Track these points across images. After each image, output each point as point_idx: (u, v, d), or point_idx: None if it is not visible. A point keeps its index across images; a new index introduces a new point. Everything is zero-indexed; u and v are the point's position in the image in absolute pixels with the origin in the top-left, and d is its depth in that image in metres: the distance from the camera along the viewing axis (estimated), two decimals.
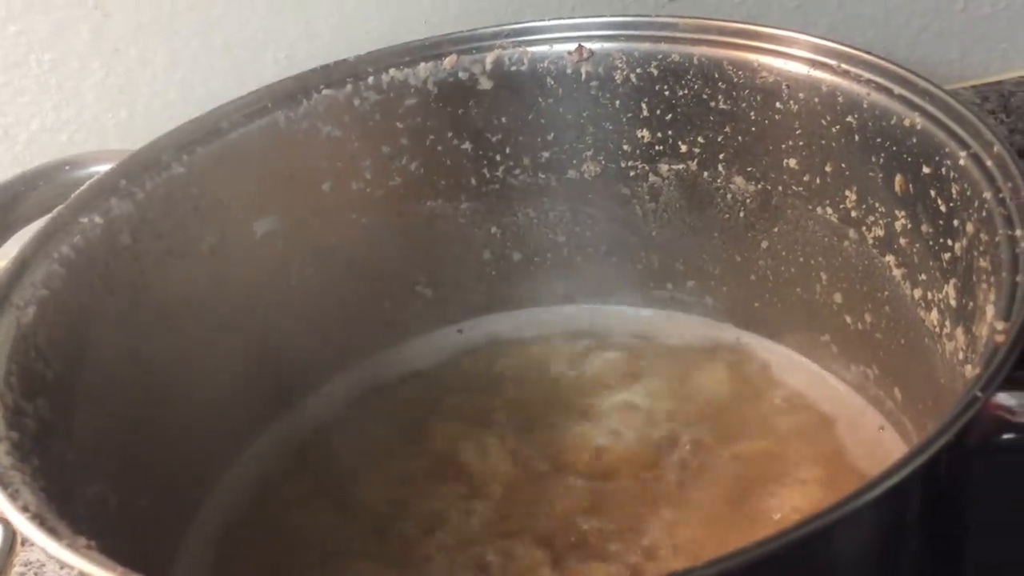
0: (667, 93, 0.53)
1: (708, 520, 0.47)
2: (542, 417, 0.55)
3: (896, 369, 0.50)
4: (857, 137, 0.47)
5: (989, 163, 0.40)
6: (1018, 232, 0.37)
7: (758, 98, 0.51)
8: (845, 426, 0.52)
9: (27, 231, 0.48)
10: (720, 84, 0.52)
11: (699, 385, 0.55)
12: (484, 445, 0.53)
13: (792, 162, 0.51)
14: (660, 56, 0.53)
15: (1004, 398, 0.33)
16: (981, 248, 0.39)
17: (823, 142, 0.49)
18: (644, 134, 0.55)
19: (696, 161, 0.54)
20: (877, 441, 0.51)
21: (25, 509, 0.34)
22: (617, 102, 0.54)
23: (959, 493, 0.36)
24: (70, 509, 0.37)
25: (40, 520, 0.34)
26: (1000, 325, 0.34)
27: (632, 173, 0.56)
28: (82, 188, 0.48)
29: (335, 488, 0.52)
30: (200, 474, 0.52)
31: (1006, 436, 0.34)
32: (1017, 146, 0.67)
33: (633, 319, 0.60)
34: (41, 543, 0.33)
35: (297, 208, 0.54)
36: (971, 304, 0.40)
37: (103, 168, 0.49)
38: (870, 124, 0.46)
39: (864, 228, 0.49)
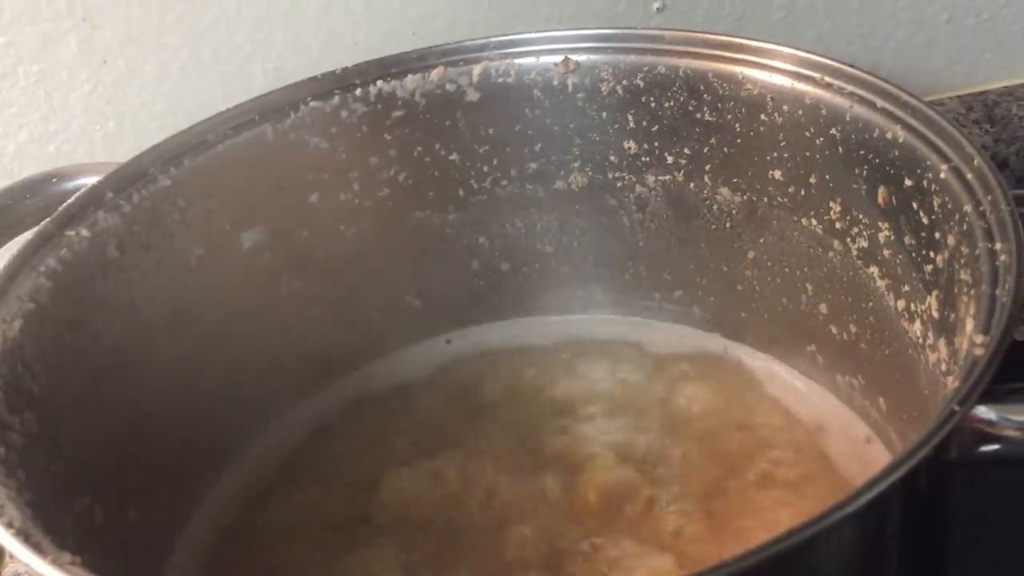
0: (653, 105, 0.53)
1: (691, 533, 0.47)
2: (530, 428, 0.55)
3: (881, 379, 0.50)
4: (840, 149, 0.48)
5: (970, 176, 0.40)
6: (998, 245, 0.37)
7: (743, 110, 0.51)
8: (831, 435, 0.52)
9: (14, 244, 0.48)
10: (705, 96, 0.52)
11: (686, 395, 0.55)
12: (472, 457, 0.53)
13: (777, 173, 0.51)
14: (646, 68, 0.53)
15: (983, 411, 0.33)
16: (962, 261, 0.40)
17: (807, 154, 0.49)
18: (630, 145, 0.55)
19: (682, 172, 0.55)
20: (864, 450, 0.51)
21: (10, 525, 0.34)
22: (604, 113, 0.55)
23: (940, 505, 0.36)
24: (56, 523, 0.38)
25: (25, 536, 0.34)
26: (979, 338, 0.34)
27: (619, 184, 0.56)
28: (69, 201, 0.48)
29: (323, 501, 0.52)
30: (188, 485, 0.52)
31: (986, 448, 0.34)
32: (1002, 155, 0.67)
33: (621, 329, 0.60)
34: (25, 559, 0.33)
35: (285, 219, 0.54)
36: (953, 316, 0.40)
37: (90, 180, 0.49)
38: (853, 137, 0.47)
39: (848, 239, 0.49)
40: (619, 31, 0.54)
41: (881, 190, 0.46)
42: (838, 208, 0.49)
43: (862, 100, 0.46)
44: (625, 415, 0.55)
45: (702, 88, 0.52)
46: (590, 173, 0.57)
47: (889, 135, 0.45)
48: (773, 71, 0.50)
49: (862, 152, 0.46)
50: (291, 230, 0.54)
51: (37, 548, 0.33)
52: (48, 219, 0.47)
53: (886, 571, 0.35)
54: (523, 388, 0.58)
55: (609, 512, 0.49)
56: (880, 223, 0.47)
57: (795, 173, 0.51)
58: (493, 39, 0.55)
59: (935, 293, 0.43)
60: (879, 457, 0.50)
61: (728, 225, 0.55)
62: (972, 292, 0.38)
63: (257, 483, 0.54)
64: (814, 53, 0.49)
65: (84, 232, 0.47)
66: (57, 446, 0.42)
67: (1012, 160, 0.69)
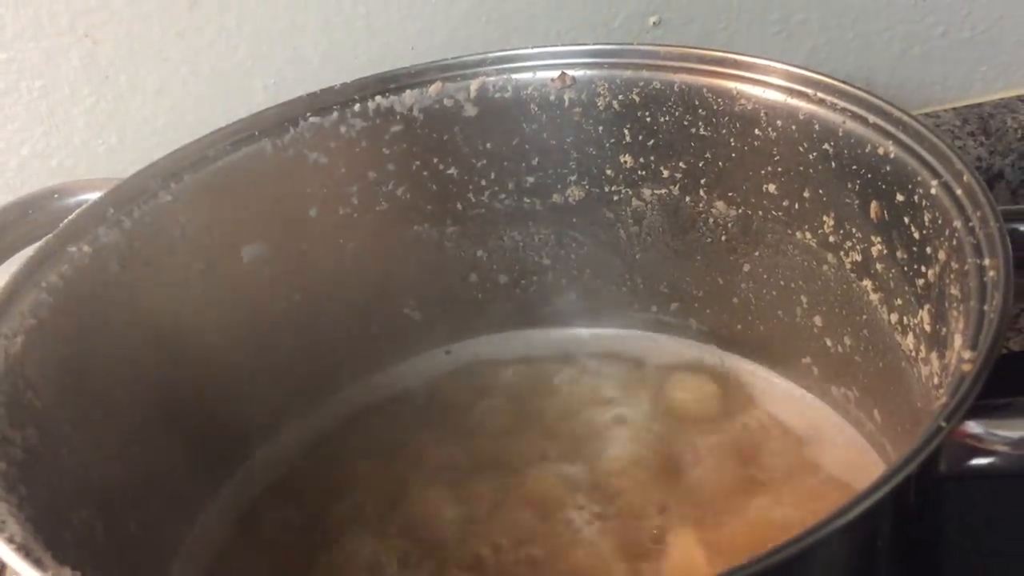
0: (649, 119, 0.54)
1: (686, 544, 0.48)
2: (528, 440, 0.55)
3: (875, 391, 0.50)
4: (834, 164, 0.48)
5: (959, 192, 0.41)
6: (986, 261, 0.38)
7: (737, 125, 0.51)
8: (826, 447, 0.52)
9: (16, 259, 0.49)
10: (700, 111, 0.52)
11: (683, 407, 0.56)
12: (470, 468, 0.54)
13: (771, 187, 0.52)
14: (642, 83, 0.53)
15: (972, 426, 0.34)
16: (952, 276, 0.40)
17: (801, 168, 0.50)
18: (627, 159, 0.55)
19: (678, 186, 0.55)
20: (858, 462, 0.51)
21: (11, 540, 0.35)
22: (600, 128, 0.55)
23: (931, 518, 0.36)
24: (57, 537, 0.38)
25: (25, 551, 0.34)
26: (967, 354, 0.35)
27: (616, 197, 0.57)
28: (70, 217, 0.48)
29: (323, 513, 0.53)
30: (188, 499, 0.52)
31: (975, 462, 0.34)
32: (997, 167, 0.68)
33: (618, 341, 0.61)
34: (26, 575, 0.33)
35: (284, 234, 0.54)
36: (944, 330, 0.41)
37: (91, 196, 0.50)
38: (846, 152, 0.47)
39: (842, 253, 0.50)
40: (615, 47, 0.54)
41: (873, 205, 0.46)
42: (831, 222, 0.50)
43: (854, 116, 0.47)
44: (622, 426, 0.55)
45: (697, 103, 0.52)
46: (587, 187, 0.57)
47: (881, 150, 0.45)
48: (767, 87, 0.50)
49: (855, 167, 0.47)
50: (291, 244, 0.55)
51: (38, 563, 0.34)
52: (50, 235, 0.47)
53: None
54: (522, 399, 0.58)
55: (600, 528, 0.50)
56: (873, 237, 0.47)
57: (789, 187, 0.51)
58: (490, 55, 0.55)
59: (927, 307, 0.43)
60: (874, 468, 0.50)
61: (724, 238, 0.55)
62: (961, 307, 0.38)
63: (256, 496, 0.54)
64: (807, 69, 0.49)
65: (86, 248, 0.47)
66: (58, 461, 0.43)
67: (1007, 172, 0.69)
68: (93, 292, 0.47)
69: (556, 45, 0.55)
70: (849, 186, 0.47)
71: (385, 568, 0.49)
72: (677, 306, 0.59)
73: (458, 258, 0.59)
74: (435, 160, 0.56)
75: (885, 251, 0.46)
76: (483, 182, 0.57)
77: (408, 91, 0.55)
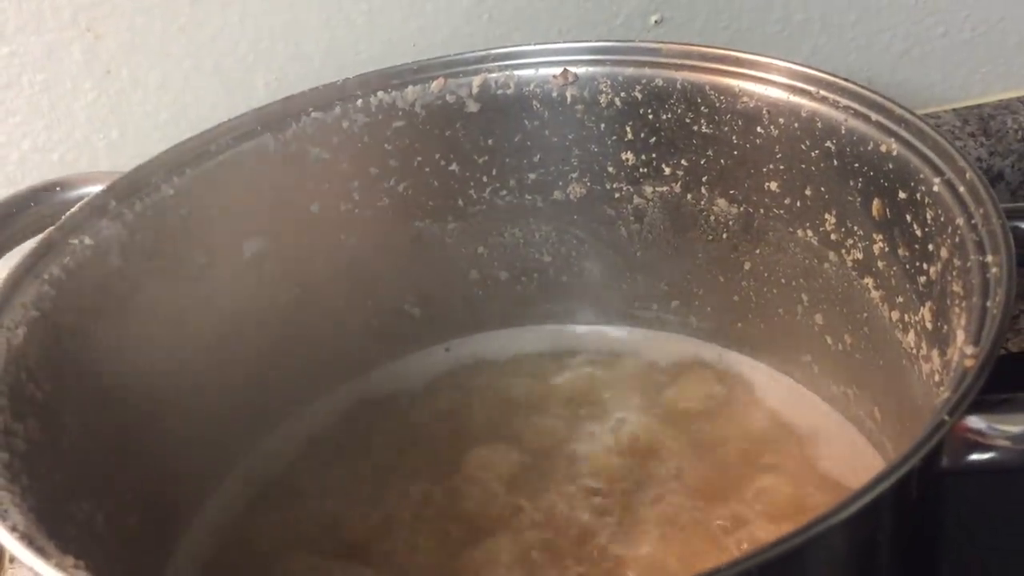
0: (651, 117, 0.54)
1: (685, 540, 0.48)
2: (527, 436, 0.55)
3: (875, 389, 0.50)
4: (835, 162, 0.48)
5: (962, 189, 0.41)
6: (989, 258, 0.38)
7: (740, 122, 0.51)
8: (826, 445, 0.52)
9: (18, 251, 0.49)
10: (703, 108, 0.52)
11: (683, 404, 0.56)
12: (470, 464, 0.54)
13: (773, 185, 0.52)
14: (644, 80, 0.53)
15: (974, 421, 0.34)
16: (954, 273, 0.40)
17: (803, 166, 0.50)
18: (628, 157, 0.56)
19: (680, 183, 0.55)
20: (859, 460, 0.51)
21: (14, 529, 0.35)
22: (602, 125, 0.55)
23: (932, 513, 0.36)
24: (59, 528, 0.38)
25: (28, 540, 0.34)
26: (970, 350, 0.35)
27: (617, 195, 0.57)
28: (73, 210, 0.48)
29: (323, 507, 0.53)
30: (188, 492, 0.52)
31: (976, 457, 0.34)
32: (997, 168, 0.68)
33: (619, 338, 0.61)
34: (29, 563, 0.33)
35: (286, 229, 0.54)
36: (946, 327, 0.41)
37: (94, 189, 0.50)
38: (848, 149, 0.47)
39: (843, 251, 0.50)
40: (617, 44, 0.54)
41: (875, 202, 0.46)
42: (833, 220, 0.50)
43: (857, 113, 0.47)
44: (622, 424, 0.55)
45: (699, 100, 0.52)
46: (588, 184, 0.57)
47: (883, 148, 0.45)
48: (769, 84, 0.50)
49: (856, 165, 0.47)
50: (292, 239, 0.55)
51: (41, 552, 0.34)
52: (52, 227, 0.47)
53: None
54: (521, 396, 0.58)
55: (601, 521, 0.50)
56: (874, 235, 0.47)
57: (791, 185, 0.51)
58: (493, 51, 0.55)
59: (928, 304, 0.43)
60: (874, 466, 0.50)
61: (725, 236, 0.55)
62: (964, 304, 0.38)
63: (256, 490, 0.54)
64: (809, 67, 0.49)
65: (87, 240, 0.47)
66: (59, 452, 0.43)
67: (1007, 172, 0.69)
68: (95, 284, 0.47)
69: (558, 42, 0.55)
70: (851, 184, 0.48)
71: (381, 559, 0.49)
72: (678, 304, 0.59)
73: (459, 254, 0.59)
74: (437, 156, 0.56)
75: (887, 249, 0.46)
76: (484, 178, 0.57)
77: (410, 87, 0.55)
